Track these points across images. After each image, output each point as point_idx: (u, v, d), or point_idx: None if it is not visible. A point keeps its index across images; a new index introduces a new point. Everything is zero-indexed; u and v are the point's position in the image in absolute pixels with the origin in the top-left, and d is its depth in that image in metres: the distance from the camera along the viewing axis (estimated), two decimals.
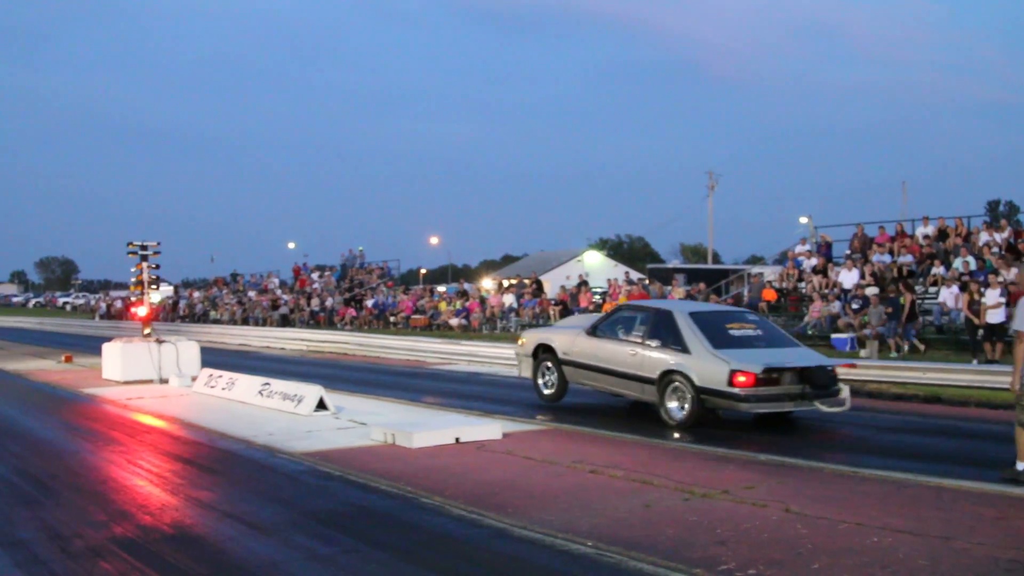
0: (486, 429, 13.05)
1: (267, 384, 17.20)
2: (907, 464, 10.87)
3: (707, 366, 13.74)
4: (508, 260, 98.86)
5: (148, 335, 23.00)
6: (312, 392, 15.73)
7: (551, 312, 35.24)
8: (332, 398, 15.86)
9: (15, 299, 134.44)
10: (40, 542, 7.99)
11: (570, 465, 10.90)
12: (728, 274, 42.39)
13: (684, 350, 14.18)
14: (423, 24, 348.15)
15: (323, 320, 44.59)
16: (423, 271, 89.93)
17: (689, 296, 28.33)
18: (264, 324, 47.14)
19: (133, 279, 23.88)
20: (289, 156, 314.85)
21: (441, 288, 51.11)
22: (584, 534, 7.77)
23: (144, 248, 23.54)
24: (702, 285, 32.33)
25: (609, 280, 35.23)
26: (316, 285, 51.34)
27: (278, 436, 13.32)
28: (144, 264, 23.50)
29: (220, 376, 19.14)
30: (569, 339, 16.57)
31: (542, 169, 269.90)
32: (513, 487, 9.75)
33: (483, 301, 38.94)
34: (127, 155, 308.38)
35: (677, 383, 14.14)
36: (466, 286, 44.17)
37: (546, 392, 17.00)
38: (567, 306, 35.06)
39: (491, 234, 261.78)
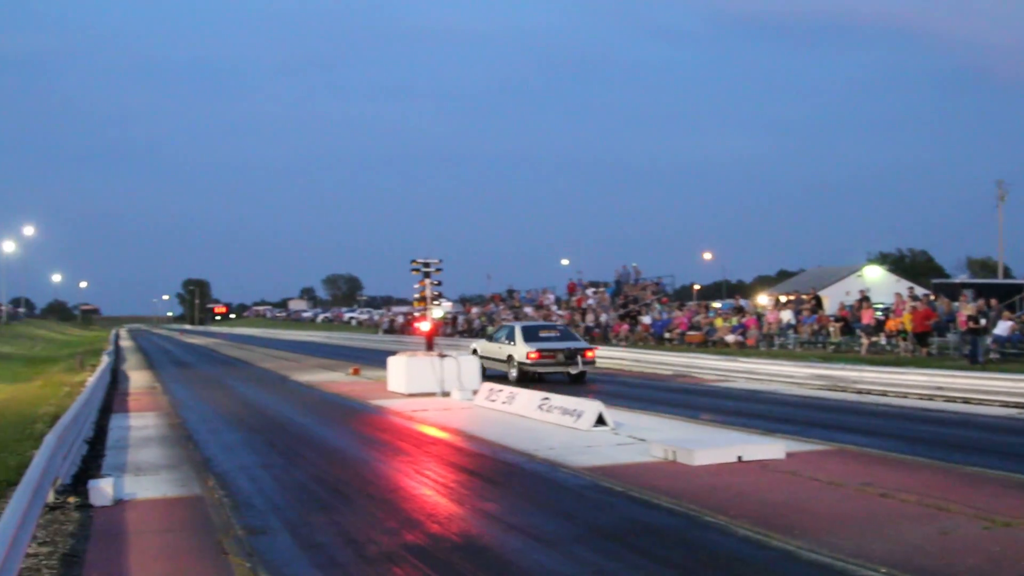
0: (769, 448, 12.74)
1: (546, 399, 17.44)
2: None
3: (521, 350, 26.26)
4: (784, 275, 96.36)
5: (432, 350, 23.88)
6: (591, 407, 15.85)
7: (830, 329, 34.11)
8: (610, 414, 15.92)
9: (304, 314, 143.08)
10: (337, 546, 8.40)
11: (858, 488, 10.49)
12: (1021, 289, 39.53)
13: (514, 344, 26.69)
14: (695, 40, 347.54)
15: (598, 336, 44.85)
16: (696, 287, 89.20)
17: (979, 312, 26.71)
18: None
19: (416, 295, 24.78)
20: (564, 174, 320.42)
21: (716, 304, 50.44)
22: (877, 560, 7.45)
23: (427, 265, 24.45)
24: (993, 301, 30.28)
25: (896, 294, 33.64)
26: (591, 301, 51.82)
27: (559, 450, 13.48)
28: (427, 280, 24.38)
29: (500, 390, 19.59)
30: (482, 345, 29.80)
31: (818, 182, 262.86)
32: (799, 508, 9.46)
33: (760, 317, 38.18)
34: (410, 175, 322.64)
35: (514, 360, 26.40)
36: (742, 302, 43.47)
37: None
38: (848, 322, 33.84)
39: (765, 249, 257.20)
